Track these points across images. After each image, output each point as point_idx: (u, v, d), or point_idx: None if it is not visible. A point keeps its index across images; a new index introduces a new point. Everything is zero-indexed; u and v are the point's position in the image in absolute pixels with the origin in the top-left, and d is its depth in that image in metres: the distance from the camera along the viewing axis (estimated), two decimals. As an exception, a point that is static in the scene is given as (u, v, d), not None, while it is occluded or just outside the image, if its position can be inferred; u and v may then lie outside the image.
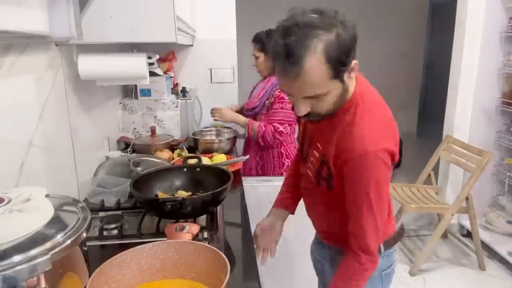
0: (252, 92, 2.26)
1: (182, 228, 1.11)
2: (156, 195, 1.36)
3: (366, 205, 0.95)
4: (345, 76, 0.90)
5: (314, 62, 0.83)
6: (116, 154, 1.86)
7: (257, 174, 2.15)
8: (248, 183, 1.83)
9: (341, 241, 1.08)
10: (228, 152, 2.09)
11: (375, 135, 0.92)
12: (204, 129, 2.40)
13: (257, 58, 2.11)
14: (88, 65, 1.44)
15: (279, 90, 1.98)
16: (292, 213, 1.30)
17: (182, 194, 1.37)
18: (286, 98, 1.93)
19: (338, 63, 0.85)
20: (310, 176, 1.11)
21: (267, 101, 2.05)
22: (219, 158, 1.87)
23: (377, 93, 1.02)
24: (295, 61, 0.83)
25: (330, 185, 1.03)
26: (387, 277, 1.20)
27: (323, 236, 1.24)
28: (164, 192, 1.39)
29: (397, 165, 4.60)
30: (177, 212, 1.18)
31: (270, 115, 2.01)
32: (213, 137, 2.28)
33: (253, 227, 1.37)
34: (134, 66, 1.50)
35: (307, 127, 1.18)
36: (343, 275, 1.04)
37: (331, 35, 0.83)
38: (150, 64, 1.89)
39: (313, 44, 0.82)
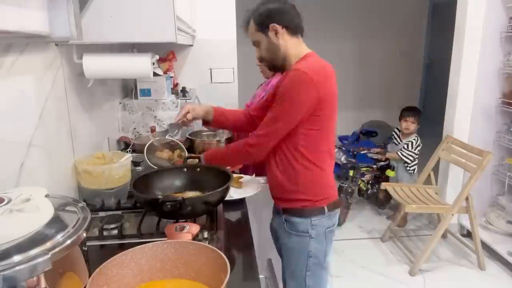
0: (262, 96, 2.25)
1: (182, 228, 1.11)
2: (168, 195, 1.36)
3: (275, 108, 1.32)
4: (270, 34, 1.35)
5: (251, 22, 1.40)
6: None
7: (254, 173, 2.13)
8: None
9: (287, 197, 1.41)
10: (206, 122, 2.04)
11: (310, 64, 1.31)
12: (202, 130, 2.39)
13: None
14: (93, 64, 1.45)
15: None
16: (209, 122, 1.63)
17: (188, 195, 1.37)
18: None
19: (259, 21, 1.37)
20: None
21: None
22: None
23: (322, 61, 1.37)
24: (245, 21, 1.43)
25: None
26: (330, 233, 1.45)
27: (276, 197, 1.48)
28: (175, 192, 1.40)
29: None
30: (177, 212, 1.18)
31: None
32: (210, 138, 2.25)
33: (253, 227, 1.38)
34: (139, 65, 1.51)
35: None
36: (230, 149, 1.50)
37: (262, 8, 1.37)
38: (150, 64, 1.88)
39: (252, 13, 1.40)
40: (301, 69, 1.27)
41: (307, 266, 1.43)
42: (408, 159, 3.23)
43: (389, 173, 3.37)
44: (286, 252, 1.49)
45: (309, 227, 1.40)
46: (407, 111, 3.32)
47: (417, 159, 3.28)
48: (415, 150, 3.24)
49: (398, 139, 3.40)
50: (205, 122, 1.64)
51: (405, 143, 3.29)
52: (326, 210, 1.41)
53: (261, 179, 1.74)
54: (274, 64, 1.42)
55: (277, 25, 1.33)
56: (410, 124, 3.26)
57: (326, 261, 1.46)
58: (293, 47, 1.37)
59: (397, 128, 3.44)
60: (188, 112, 1.56)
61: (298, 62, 1.35)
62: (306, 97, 1.27)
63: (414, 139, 3.27)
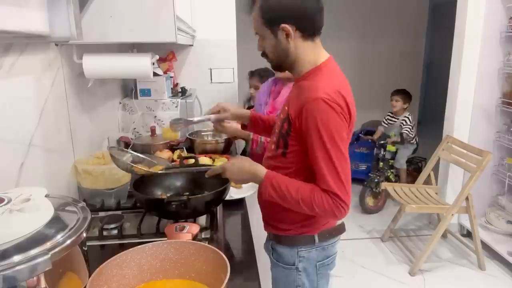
0: (268, 94, 2.12)
1: (182, 228, 1.11)
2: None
3: (320, 147, 1.04)
4: (279, 34, 1.08)
5: (256, 6, 1.10)
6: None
7: None
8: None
9: (273, 223, 1.23)
10: (225, 152, 2.07)
11: (328, 87, 1.05)
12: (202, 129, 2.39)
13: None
14: (93, 64, 1.45)
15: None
16: (245, 126, 1.51)
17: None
18: None
19: (266, 13, 1.09)
20: (273, 141, 1.23)
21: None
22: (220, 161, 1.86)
23: (341, 73, 1.15)
24: (252, 2, 1.12)
25: (287, 143, 1.14)
26: (323, 268, 1.23)
27: (265, 221, 1.29)
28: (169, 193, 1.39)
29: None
30: (178, 212, 1.18)
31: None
32: (210, 138, 2.23)
33: (253, 227, 1.37)
34: (139, 65, 1.51)
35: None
36: (306, 196, 1.06)
37: (269, 2, 1.09)
38: (150, 64, 1.88)
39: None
40: (324, 99, 1.02)
41: None
42: (409, 132, 3.64)
43: (390, 148, 3.62)
44: (274, 283, 1.31)
45: (296, 259, 1.20)
46: (394, 92, 3.79)
47: (414, 133, 3.71)
48: (412, 123, 3.68)
49: (393, 118, 3.81)
50: (242, 125, 1.53)
51: (402, 120, 3.68)
52: (316, 239, 1.19)
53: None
54: (279, 66, 1.19)
55: (289, 27, 1.06)
56: (395, 103, 3.71)
57: None
58: (307, 52, 1.12)
59: (390, 112, 3.87)
60: (219, 111, 1.44)
61: (316, 76, 1.11)
62: (342, 124, 1.05)
63: (407, 117, 3.66)
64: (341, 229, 1.26)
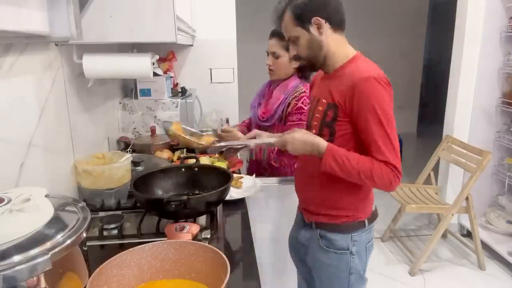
0: (261, 97, 2.02)
1: (182, 228, 1.11)
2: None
3: (375, 122, 1.12)
4: (312, 29, 1.19)
5: (287, 14, 1.22)
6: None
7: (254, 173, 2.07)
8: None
9: (326, 212, 1.28)
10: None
11: (374, 68, 1.18)
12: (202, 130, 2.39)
13: (277, 57, 1.81)
14: (93, 64, 1.45)
15: (297, 98, 1.79)
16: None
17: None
18: (305, 108, 1.74)
19: (298, 13, 1.19)
20: (314, 132, 1.26)
21: (282, 112, 1.83)
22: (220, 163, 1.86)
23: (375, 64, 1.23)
24: (279, 13, 1.24)
25: (333, 130, 1.21)
26: (370, 248, 1.35)
27: (311, 210, 1.34)
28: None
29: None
30: (179, 212, 1.18)
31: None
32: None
33: (253, 227, 1.37)
34: (138, 65, 1.51)
35: (310, 109, 1.38)
36: (366, 167, 1.13)
37: (299, 0, 1.19)
38: (150, 64, 1.88)
39: (286, 4, 1.22)
40: (374, 77, 1.13)
41: (348, 283, 1.33)
42: None
43: None
44: (321, 269, 1.36)
45: (350, 244, 1.28)
46: None
47: None
48: None
49: None
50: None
51: None
52: (366, 224, 1.30)
53: (261, 179, 1.74)
54: (314, 62, 1.25)
55: (320, 19, 1.17)
56: None
57: (365, 273, 1.40)
58: (337, 44, 1.22)
59: None
60: (254, 137, 1.43)
61: (354, 63, 1.21)
62: (391, 101, 1.16)
63: None
64: (377, 213, 1.37)
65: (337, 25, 1.21)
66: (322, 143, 1.18)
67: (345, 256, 1.29)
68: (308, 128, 1.33)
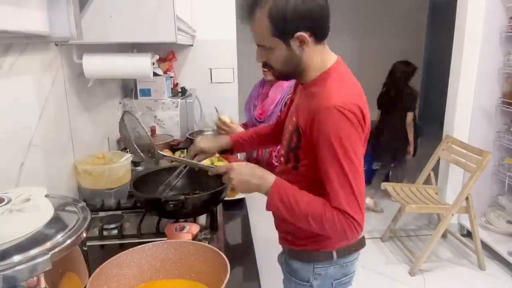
0: (255, 98, 2.03)
1: (182, 228, 1.11)
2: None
3: (332, 159, 0.94)
4: (292, 43, 0.99)
5: (260, 15, 0.98)
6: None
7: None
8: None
9: (287, 236, 1.17)
10: (225, 152, 2.05)
11: (340, 94, 0.97)
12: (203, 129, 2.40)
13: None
14: (93, 64, 1.45)
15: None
16: (231, 151, 1.39)
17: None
18: None
19: (279, 23, 0.96)
20: (282, 154, 1.16)
21: (280, 112, 1.79)
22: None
23: (352, 76, 1.07)
24: (249, 10, 1.00)
25: (297, 158, 1.07)
26: (340, 286, 1.16)
27: (279, 233, 1.23)
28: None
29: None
30: (178, 211, 1.18)
31: None
32: None
33: (253, 227, 1.37)
34: (139, 65, 1.51)
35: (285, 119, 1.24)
36: (317, 211, 0.96)
37: (285, 5, 0.95)
38: (150, 64, 1.88)
39: (263, 2, 0.97)
40: (337, 107, 0.93)
41: None
42: None
43: None
44: None
45: (311, 275, 1.14)
46: None
47: None
48: None
49: None
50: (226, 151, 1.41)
51: None
52: (334, 256, 1.11)
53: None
54: (287, 76, 1.12)
55: (304, 34, 0.97)
56: None
57: None
58: (317, 57, 1.04)
59: None
60: (196, 155, 1.31)
61: (326, 81, 1.02)
62: (358, 136, 0.97)
63: None
64: (361, 244, 1.17)
65: (321, 36, 1.02)
66: (270, 177, 1.02)
67: None
68: (282, 146, 1.21)
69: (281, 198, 0.99)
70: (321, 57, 1.05)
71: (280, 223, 1.20)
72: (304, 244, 1.12)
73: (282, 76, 1.11)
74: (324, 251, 1.11)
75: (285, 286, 1.24)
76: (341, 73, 1.05)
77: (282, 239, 1.21)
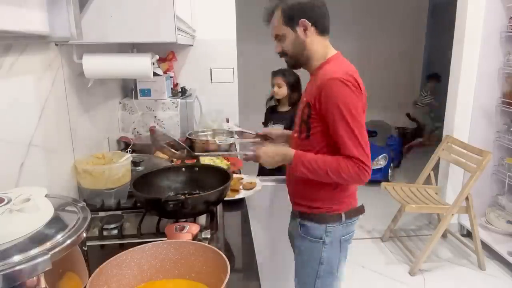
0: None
1: (182, 228, 1.11)
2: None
3: (340, 119, 1.20)
4: (298, 29, 1.29)
5: (276, 13, 1.32)
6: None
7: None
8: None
9: (305, 203, 1.38)
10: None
11: (339, 70, 1.24)
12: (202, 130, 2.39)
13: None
14: (93, 64, 1.45)
15: None
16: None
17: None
18: None
19: (288, 14, 1.29)
20: (296, 130, 1.40)
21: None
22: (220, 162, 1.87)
23: (349, 63, 1.32)
24: (271, 11, 1.34)
25: (309, 126, 1.31)
26: (345, 243, 1.40)
27: (295, 201, 1.44)
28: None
29: (397, 165, 4.61)
30: (178, 211, 1.18)
31: None
32: (209, 138, 2.21)
33: (253, 227, 1.37)
34: (139, 65, 1.51)
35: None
36: (333, 165, 1.23)
37: (293, 0, 1.29)
38: (150, 64, 1.88)
39: (279, 5, 1.31)
40: (339, 78, 1.20)
41: (317, 273, 1.40)
42: None
43: None
44: (298, 256, 1.46)
45: (323, 234, 1.36)
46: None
47: None
48: None
49: None
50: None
51: None
52: (343, 217, 1.36)
53: (261, 179, 1.74)
54: (297, 60, 1.35)
55: (307, 22, 1.27)
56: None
57: (339, 270, 1.43)
58: (320, 46, 1.31)
59: None
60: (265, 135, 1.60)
61: (327, 64, 1.30)
62: (357, 99, 1.22)
63: None
64: (362, 209, 1.43)
65: (322, 29, 1.30)
66: (290, 152, 1.31)
67: (318, 245, 1.37)
68: (295, 124, 1.46)
69: (303, 162, 1.27)
70: (323, 49, 1.32)
71: (299, 190, 1.42)
72: (318, 207, 1.36)
73: (293, 62, 1.36)
74: (334, 214, 1.35)
75: (298, 244, 1.45)
76: (339, 60, 1.32)
77: (297, 205, 1.43)
